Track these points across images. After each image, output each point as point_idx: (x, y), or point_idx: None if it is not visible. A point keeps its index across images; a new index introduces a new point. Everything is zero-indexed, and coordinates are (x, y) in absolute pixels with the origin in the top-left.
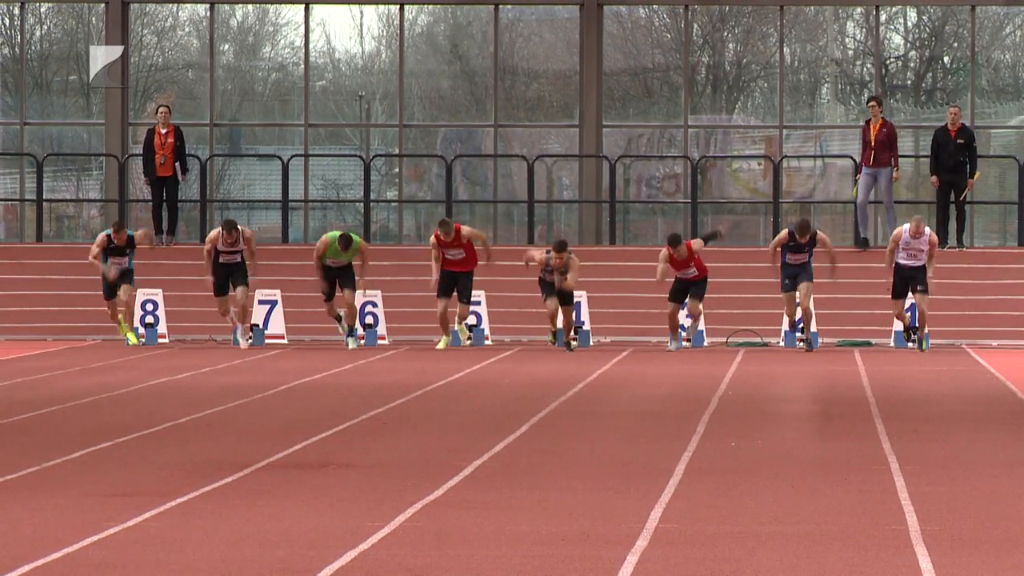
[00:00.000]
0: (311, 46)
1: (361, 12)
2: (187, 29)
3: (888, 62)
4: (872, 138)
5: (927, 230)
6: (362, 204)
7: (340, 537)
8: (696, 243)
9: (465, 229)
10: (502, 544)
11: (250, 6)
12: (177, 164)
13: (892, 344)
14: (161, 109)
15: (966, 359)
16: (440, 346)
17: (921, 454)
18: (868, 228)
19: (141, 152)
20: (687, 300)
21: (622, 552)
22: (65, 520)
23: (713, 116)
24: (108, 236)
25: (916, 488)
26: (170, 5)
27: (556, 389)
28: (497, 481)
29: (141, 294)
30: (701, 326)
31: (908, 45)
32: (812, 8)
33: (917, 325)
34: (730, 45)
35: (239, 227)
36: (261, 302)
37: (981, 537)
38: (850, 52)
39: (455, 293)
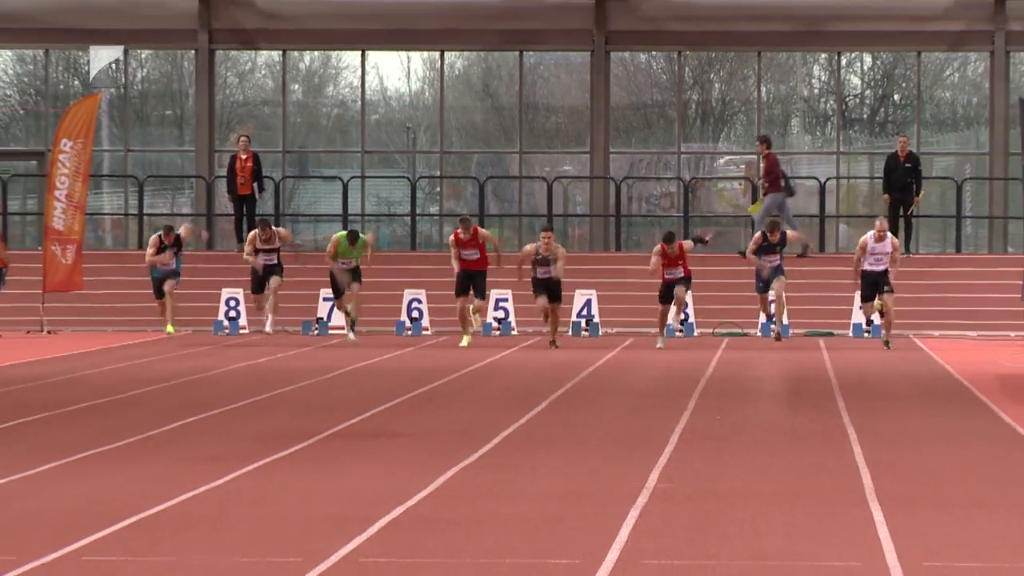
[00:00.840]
0: (366, 86)
1: (408, 57)
2: (263, 72)
3: (847, 99)
4: (760, 170)
5: (889, 235)
6: (409, 217)
7: (391, 494)
8: (687, 244)
9: (482, 231)
10: (525, 500)
11: (316, 52)
12: (255, 184)
13: (851, 334)
14: (242, 138)
15: (913, 347)
16: (464, 344)
17: (875, 426)
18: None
19: (225, 174)
20: (675, 291)
21: (626, 507)
22: (164, 480)
23: (702, 144)
24: (159, 237)
25: (870, 454)
26: (249, 52)
27: (571, 372)
28: (521, 448)
29: (225, 292)
30: (691, 319)
31: (864, 85)
32: (784, 53)
33: (883, 326)
34: (716, 85)
35: (272, 226)
36: (325, 299)
37: (926, 496)
38: (816, 91)
39: (471, 292)
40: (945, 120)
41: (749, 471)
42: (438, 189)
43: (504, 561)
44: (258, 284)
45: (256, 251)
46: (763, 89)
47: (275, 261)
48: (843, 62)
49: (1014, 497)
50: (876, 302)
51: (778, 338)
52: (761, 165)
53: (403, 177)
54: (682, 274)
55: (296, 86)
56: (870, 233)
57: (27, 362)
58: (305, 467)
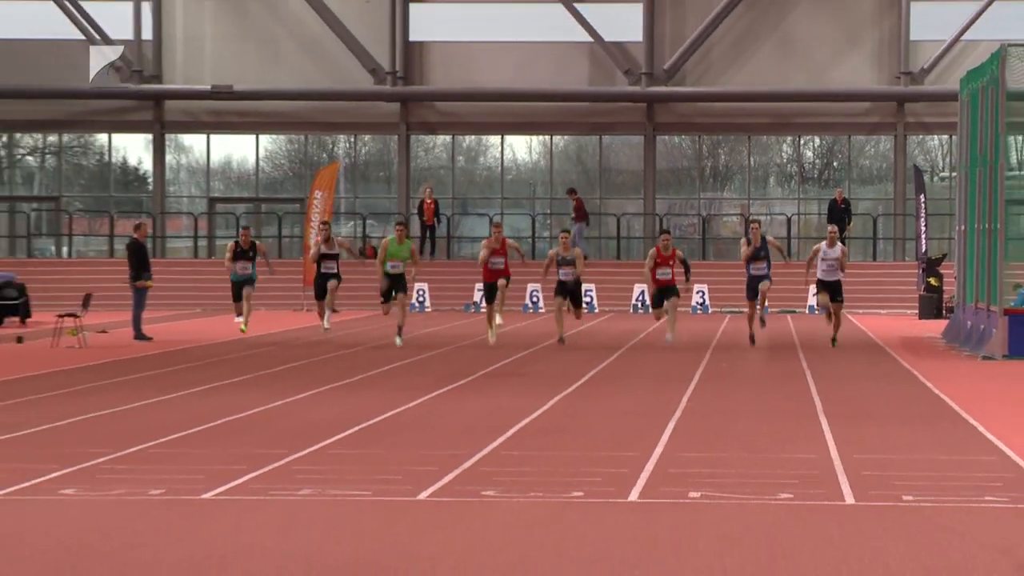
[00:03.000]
0: (504, 156)
1: (531, 139)
2: (440, 148)
3: (805, 164)
4: (574, 211)
5: (839, 243)
6: (530, 239)
7: (522, 411)
8: (680, 253)
9: (510, 241)
10: (602, 415)
11: (472, 136)
12: (435, 218)
13: (807, 312)
14: (428, 189)
15: (845, 321)
16: (492, 340)
17: (822, 369)
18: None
19: (416, 212)
20: (666, 303)
21: (667, 419)
22: (376, 403)
23: (713, 193)
24: (236, 242)
25: (820, 387)
26: (431, 136)
27: (631, 335)
28: (600, 382)
29: (416, 284)
30: (707, 301)
31: (815, 155)
32: (764, 136)
33: (832, 327)
34: (722, 156)
35: (331, 228)
36: (479, 289)
37: (858, 413)
38: (784, 159)
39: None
40: (866, 178)
41: (744, 397)
42: (549, 221)
43: (592, 453)
44: (320, 290)
45: (320, 256)
46: (751, 159)
47: (334, 270)
48: (801, 142)
49: (911, 414)
50: (829, 304)
51: (763, 323)
52: (572, 206)
53: (527, 214)
54: (669, 277)
55: (461, 157)
56: (823, 242)
57: (292, 329)
58: (466, 395)
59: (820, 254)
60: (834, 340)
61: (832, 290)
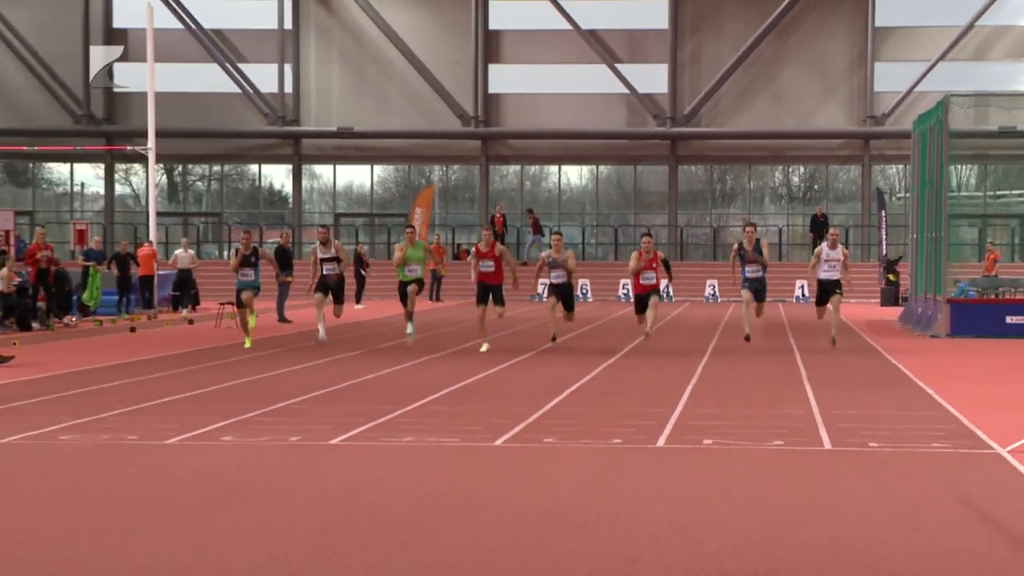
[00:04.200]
0: (561, 181)
1: (582, 168)
2: (511, 175)
3: (793, 187)
4: (531, 226)
5: (840, 245)
6: (581, 246)
7: (573, 378)
8: (661, 253)
9: (499, 247)
10: (637, 381)
11: (536, 165)
12: (504, 228)
13: (794, 301)
14: (498, 206)
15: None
16: (483, 349)
17: (806, 346)
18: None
19: (490, 224)
20: (648, 307)
21: (686, 384)
22: (460, 371)
23: (722, 209)
24: (238, 249)
25: (806, 359)
26: (505, 166)
27: (656, 321)
28: (636, 356)
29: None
30: (716, 291)
31: (800, 180)
32: (761, 166)
33: (832, 325)
34: (728, 181)
35: (330, 231)
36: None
37: (835, 379)
38: (776, 183)
39: (489, 301)
40: (840, 198)
41: (746, 367)
42: (595, 231)
43: (628, 410)
44: (323, 286)
45: (320, 261)
46: (751, 183)
47: (336, 270)
48: (790, 170)
49: (875, 379)
50: (824, 312)
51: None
52: (530, 222)
53: (578, 226)
54: (653, 281)
55: (527, 182)
56: (824, 244)
57: (397, 315)
58: (529, 365)
59: (823, 255)
60: (834, 340)
61: (830, 287)
